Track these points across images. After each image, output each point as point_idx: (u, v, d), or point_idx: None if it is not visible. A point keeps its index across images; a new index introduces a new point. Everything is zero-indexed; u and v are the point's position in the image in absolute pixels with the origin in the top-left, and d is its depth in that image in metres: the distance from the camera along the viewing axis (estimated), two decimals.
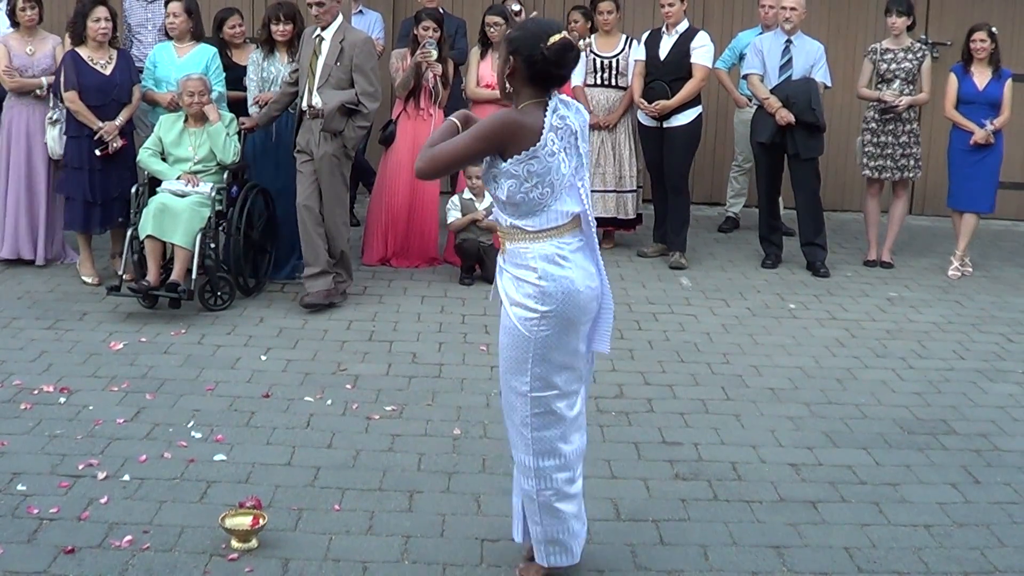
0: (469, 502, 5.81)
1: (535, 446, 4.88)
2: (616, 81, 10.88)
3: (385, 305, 9.20)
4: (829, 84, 10.72)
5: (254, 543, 5.26)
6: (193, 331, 8.37)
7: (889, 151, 10.77)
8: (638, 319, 8.99)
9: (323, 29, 8.95)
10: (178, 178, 8.97)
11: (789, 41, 10.64)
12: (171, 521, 5.49)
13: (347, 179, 9.26)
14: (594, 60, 10.85)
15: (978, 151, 10.50)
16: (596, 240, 4.91)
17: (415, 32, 10.13)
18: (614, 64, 10.85)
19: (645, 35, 10.83)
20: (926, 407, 7.40)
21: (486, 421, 6.81)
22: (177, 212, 8.67)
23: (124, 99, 9.43)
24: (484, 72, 10.56)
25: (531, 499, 4.95)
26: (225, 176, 9.16)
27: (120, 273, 8.91)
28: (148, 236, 8.62)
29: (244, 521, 5.31)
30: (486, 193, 9.70)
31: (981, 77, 10.52)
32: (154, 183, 9.11)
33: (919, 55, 10.74)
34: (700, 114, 10.74)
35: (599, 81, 10.87)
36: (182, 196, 8.83)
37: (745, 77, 11.08)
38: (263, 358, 7.87)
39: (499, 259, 4.96)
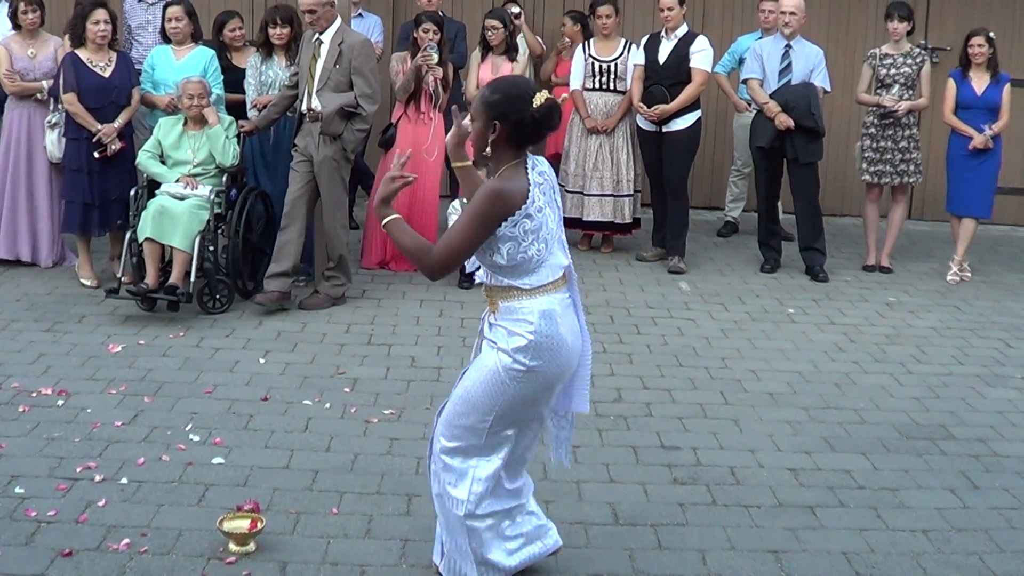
0: None
1: (477, 474, 4.85)
2: (614, 85, 10.88)
3: (384, 309, 9.20)
4: (828, 89, 10.72)
5: (252, 546, 5.26)
6: (192, 334, 8.36)
7: (888, 156, 10.77)
8: (637, 323, 8.99)
9: (321, 33, 8.95)
10: (177, 181, 8.96)
11: (789, 46, 10.64)
12: (169, 524, 5.49)
13: (346, 182, 9.26)
14: (593, 64, 10.86)
15: (977, 156, 10.50)
16: (578, 294, 4.92)
17: (415, 35, 10.12)
18: (613, 68, 10.85)
19: (644, 39, 10.83)
20: (925, 412, 7.39)
21: None
22: (176, 215, 8.67)
23: (123, 101, 9.42)
24: (484, 75, 10.57)
25: (460, 523, 4.88)
26: (224, 179, 9.17)
27: (119, 276, 8.92)
28: (147, 239, 8.62)
29: (242, 524, 5.31)
30: None
31: (979, 82, 10.53)
32: (153, 186, 9.10)
33: (918, 60, 10.74)
34: (699, 118, 10.74)
35: (598, 85, 10.87)
36: (181, 199, 8.83)
37: (744, 82, 11.08)
38: (262, 361, 7.87)
39: (487, 317, 4.91)
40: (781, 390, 7.70)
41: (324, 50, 8.95)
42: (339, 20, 9.04)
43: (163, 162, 9.11)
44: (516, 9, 11.54)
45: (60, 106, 9.39)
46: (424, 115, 10.23)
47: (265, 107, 9.41)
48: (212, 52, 9.74)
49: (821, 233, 10.77)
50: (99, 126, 9.21)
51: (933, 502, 6.06)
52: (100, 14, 9.25)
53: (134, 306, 8.71)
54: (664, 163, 10.74)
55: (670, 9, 10.52)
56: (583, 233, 11.28)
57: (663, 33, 10.68)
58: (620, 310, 9.26)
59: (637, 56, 10.75)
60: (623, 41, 11.01)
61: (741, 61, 11.50)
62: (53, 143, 9.49)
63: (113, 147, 9.26)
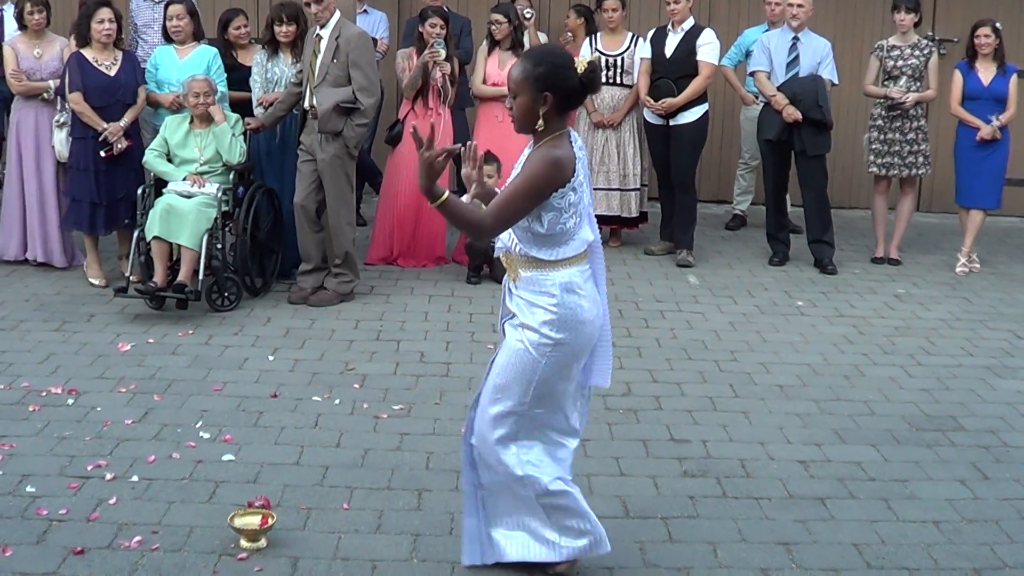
0: None
1: (521, 457, 4.87)
2: (621, 79, 10.87)
3: (392, 304, 9.20)
4: (836, 81, 10.70)
5: (263, 542, 5.26)
6: (200, 332, 8.37)
7: (897, 148, 10.75)
8: (646, 317, 8.99)
9: (321, 27, 8.96)
10: (184, 179, 8.97)
11: (796, 38, 10.63)
12: (180, 521, 5.49)
13: (351, 179, 9.25)
14: (599, 58, 10.84)
15: (985, 147, 10.49)
16: (603, 268, 4.96)
17: (420, 30, 10.12)
18: (619, 62, 10.84)
19: (651, 33, 10.83)
20: (935, 404, 7.39)
21: None
22: (183, 213, 8.68)
23: (129, 100, 9.44)
24: (491, 70, 10.55)
25: (532, 502, 4.92)
26: (231, 177, 9.17)
27: (127, 274, 8.94)
28: (155, 237, 8.63)
29: (253, 521, 5.31)
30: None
31: (986, 73, 10.51)
32: (160, 184, 9.11)
33: (926, 52, 10.72)
34: (706, 112, 10.74)
35: (604, 79, 10.82)
36: (188, 197, 8.84)
37: (752, 74, 11.07)
38: (271, 358, 7.88)
39: (508, 283, 4.94)
40: (791, 382, 7.69)
41: (323, 45, 8.95)
42: (338, 14, 9.02)
43: (170, 161, 9.12)
44: (529, 13, 11.53)
45: (67, 105, 9.40)
46: (432, 111, 10.22)
47: (271, 105, 9.42)
48: (215, 50, 9.74)
49: (829, 226, 10.76)
50: (105, 125, 9.21)
51: (943, 493, 6.05)
52: (104, 13, 9.26)
53: (143, 305, 8.72)
54: (671, 157, 10.73)
55: (676, 2, 10.51)
56: None
57: (669, 26, 10.67)
58: (629, 304, 9.25)
59: (644, 50, 10.75)
60: (630, 35, 11.00)
61: (748, 54, 11.50)
62: (61, 142, 9.50)
63: (119, 146, 9.26)
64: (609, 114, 10.87)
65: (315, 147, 8.99)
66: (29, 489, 5.76)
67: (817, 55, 10.58)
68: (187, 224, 8.65)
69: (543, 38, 11.66)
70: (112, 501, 5.66)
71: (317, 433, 6.61)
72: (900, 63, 10.68)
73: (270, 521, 5.31)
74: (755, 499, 5.92)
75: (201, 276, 8.71)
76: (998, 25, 10.52)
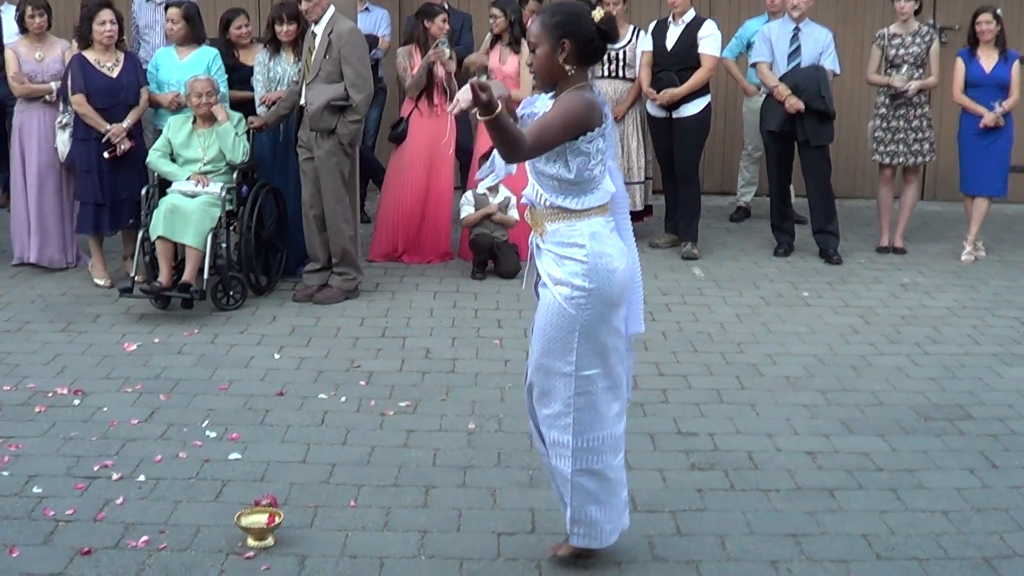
0: (485, 496, 5.79)
1: (576, 426, 4.86)
2: (623, 72, 10.86)
3: (397, 301, 9.20)
4: (838, 71, 10.69)
5: (270, 541, 5.25)
6: (206, 331, 8.37)
7: (902, 136, 10.74)
8: (651, 310, 8.97)
9: (315, 24, 8.95)
10: (188, 179, 8.97)
11: (797, 28, 10.62)
12: (187, 520, 5.49)
13: (346, 176, 9.19)
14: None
15: (988, 135, 10.47)
16: (628, 219, 4.98)
17: (425, 25, 10.09)
18: (621, 55, 10.82)
19: (652, 25, 10.81)
20: (942, 392, 7.37)
21: (501, 415, 6.80)
22: (188, 213, 8.67)
23: (131, 101, 9.43)
24: (492, 64, 10.53)
25: (565, 479, 4.93)
26: (235, 176, 9.16)
27: (132, 275, 8.93)
28: (159, 237, 8.63)
29: (260, 519, 5.30)
30: (499, 187, 9.68)
31: (988, 60, 10.49)
32: (164, 184, 9.10)
33: (927, 39, 10.71)
34: (709, 104, 10.73)
35: (606, 73, 10.83)
36: (192, 196, 8.84)
37: (753, 65, 11.06)
38: (276, 356, 7.87)
39: (534, 241, 4.93)
40: (797, 374, 7.68)
41: (317, 42, 8.94)
42: (332, 9, 8.99)
43: (173, 161, 9.11)
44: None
45: (70, 107, 9.40)
46: (437, 108, 10.21)
47: (274, 103, 9.41)
48: (215, 51, 9.75)
49: (834, 215, 10.75)
50: (108, 126, 9.21)
51: (952, 482, 6.04)
52: (106, 14, 9.26)
53: (148, 305, 8.72)
54: (675, 149, 10.72)
55: None
56: None
57: (670, 19, 10.66)
58: None
59: (645, 43, 10.73)
60: (631, 28, 10.98)
61: (749, 45, 11.47)
62: (64, 144, 9.49)
63: (122, 147, 9.26)
64: (612, 107, 10.84)
65: (311, 145, 8.98)
66: (36, 490, 5.76)
67: (819, 45, 10.56)
68: (191, 224, 8.65)
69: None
70: (119, 501, 5.65)
71: (323, 431, 6.61)
72: (902, 51, 10.67)
73: (277, 519, 5.30)
74: (763, 491, 5.90)
75: (206, 275, 8.70)
76: (999, 11, 10.50)
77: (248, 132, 9.25)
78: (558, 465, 4.95)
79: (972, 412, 7.03)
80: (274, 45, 9.62)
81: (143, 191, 9.14)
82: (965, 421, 6.89)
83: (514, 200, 9.82)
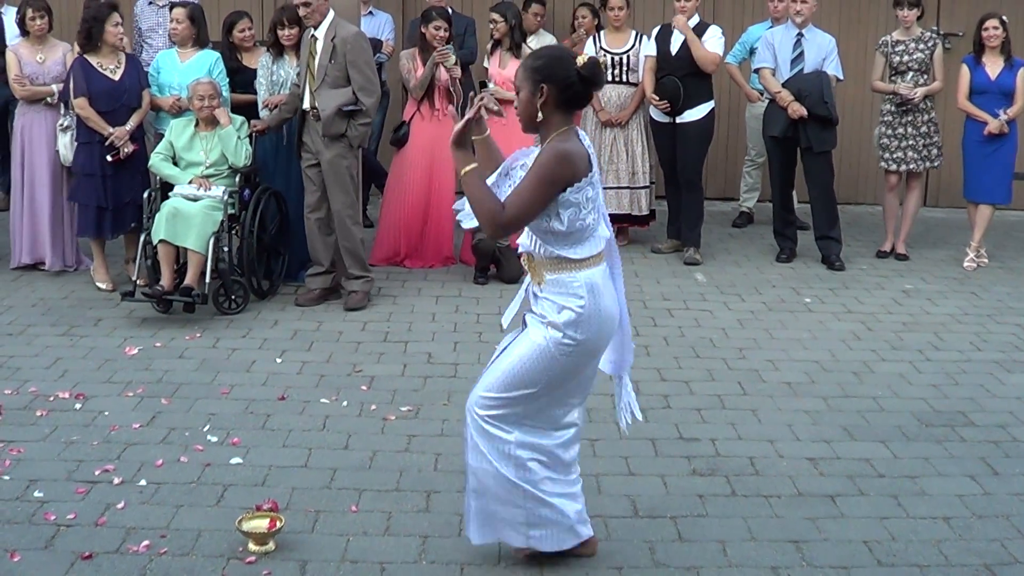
0: None
1: (516, 438, 4.92)
2: (627, 77, 10.86)
3: (399, 306, 9.20)
4: (841, 77, 10.69)
5: (271, 546, 5.25)
6: (208, 335, 8.37)
7: (911, 142, 10.74)
8: (653, 315, 8.98)
9: (315, 28, 8.94)
10: (190, 182, 8.97)
11: (800, 34, 10.61)
12: (188, 525, 5.49)
13: (355, 178, 9.21)
14: (604, 56, 10.83)
15: (992, 142, 10.47)
16: (619, 263, 4.99)
17: (423, 31, 10.10)
18: (624, 60, 10.83)
19: (656, 30, 10.81)
20: (943, 399, 7.37)
21: None
22: (190, 216, 8.67)
23: (134, 104, 9.44)
24: (492, 70, 10.54)
25: (513, 486, 4.95)
26: (237, 179, 9.16)
27: (134, 278, 8.93)
28: (161, 241, 8.63)
29: (261, 524, 5.30)
30: None
31: (993, 67, 10.49)
32: (166, 188, 9.11)
33: (930, 45, 10.71)
34: (712, 109, 10.72)
35: (610, 78, 10.83)
36: (194, 200, 8.83)
37: (756, 71, 11.06)
38: (278, 360, 7.87)
39: (532, 288, 4.96)
40: (799, 380, 7.68)
41: (319, 46, 8.93)
42: (332, 14, 8.97)
43: (175, 164, 9.11)
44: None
45: (71, 110, 9.40)
46: (439, 112, 10.22)
47: (277, 107, 9.41)
48: (217, 54, 9.75)
49: (836, 221, 10.75)
50: (111, 129, 9.21)
51: (953, 489, 6.03)
52: (117, 16, 9.28)
53: (150, 308, 8.72)
54: (678, 154, 10.72)
55: (687, 0, 10.48)
56: None
57: (674, 24, 10.64)
58: (636, 302, 9.23)
59: (649, 48, 10.73)
60: (633, 33, 10.99)
61: (752, 51, 11.48)
62: (66, 146, 9.49)
63: (126, 150, 9.27)
64: (616, 112, 10.85)
65: (319, 148, 8.98)
66: (37, 494, 5.76)
67: (822, 51, 10.56)
68: (193, 227, 8.65)
69: (549, 38, 11.59)
70: (120, 505, 5.65)
71: (325, 435, 6.61)
72: (906, 58, 10.67)
73: (278, 524, 5.30)
74: (764, 497, 5.90)
75: (208, 279, 8.71)
76: (1005, 18, 10.50)
77: (250, 135, 9.25)
78: (504, 472, 4.96)
79: (974, 419, 7.03)
80: (277, 49, 9.62)
81: (145, 195, 9.14)
82: (966, 428, 6.89)
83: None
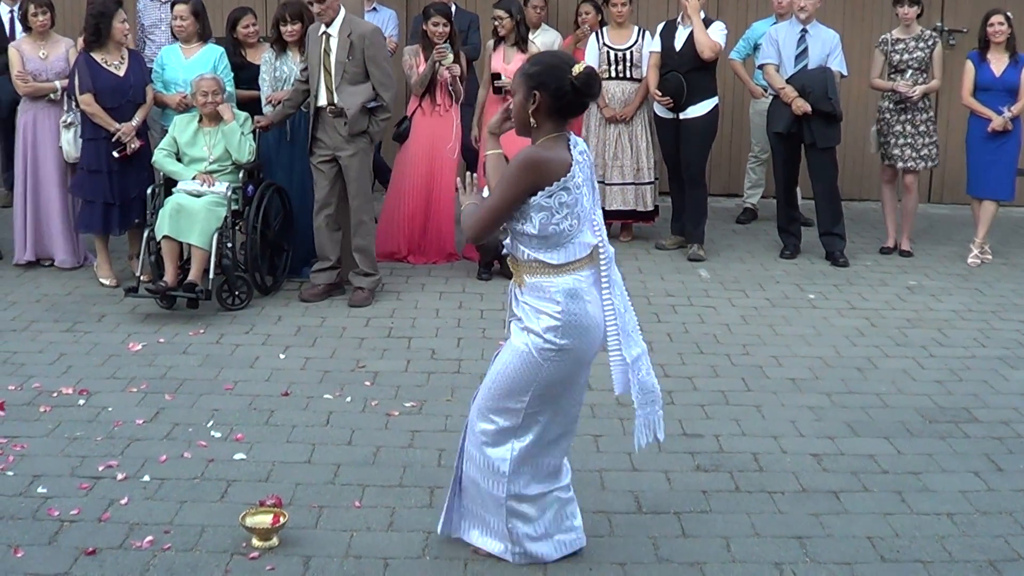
0: None
1: (512, 456, 4.94)
2: (630, 73, 10.85)
3: (403, 302, 9.20)
4: (845, 73, 10.68)
5: (275, 541, 5.26)
6: (211, 331, 8.37)
7: (909, 140, 10.73)
8: (657, 311, 8.97)
9: (328, 25, 8.93)
10: (194, 178, 8.96)
11: (804, 30, 10.61)
12: (192, 521, 5.49)
13: (371, 174, 9.25)
14: (607, 52, 10.83)
15: (996, 138, 10.46)
16: (616, 272, 4.95)
17: (424, 27, 10.10)
18: (628, 56, 10.82)
19: (660, 26, 10.79)
20: (947, 395, 7.36)
21: None
22: (193, 212, 8.67)
23: (139, 100, 9.43)
24: (497, 65, 10.51)
25: (499, 504, 5.01)
26: (241, 175, 9.16)
27: (137, 274, 8.93)
28: (165, 237, 8.63)
29: (265, 519, 5.30)
30: None
31: (998, 63, 10.48)
32: (170, 183, 9.10)
33: (930, 43, 10.70)
34: (716, 105, 10.71)
35: (613, 74, 10.83)
36: (198, 196, 8.83)
37: (760, 67, 11.05)
38: (282, 356, 7.87)
39: (513, 289, 4.96)
40: (803, 376, 7.67)
41: (334, 43, 8.91)
42: (343, 11, 8.99)
43: (179, 160, 9.11)
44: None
45: (74, 106, 9.40)
46: (440, 107, 10.22)
47: (279, 103, 9.40)
48: (221, 50, 9.74)
49: (840, 218, 10.74)
50: (117, 125, 9.21)
51: (957, 485, 6.03)
52: (123, 12, 9.29)
53: (153, 304, 8.73)
54: (682, 151, 10.71)
55: None
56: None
57: (679, 20, 10.63)
58: (640, 299, 9.22)
59: (653, 44, 10.71)
60: (636, 29, 10.98)
61: (756, 47, 11.46)
62: (69, 143, 9.50)
63: (132, 146, 9.26)
64: (620, 109, 10.84)
65: (338, 145, 8.97)
66: (40, 490, 5.76)
67: (826, 47, 10.55)
68: (197, 223, 8.65)
69: (552, 34, 11.59)
70: (124, 501, 5.66)
71: (329, 431, 6.61)
72: (905, 56, 10.66)
73: (282, 520, 5.30)
74: (768, 493, 5.90)
75: (211, 275, 8.71)
76: (1010, 14, 10.48)
77: (254, 131, 9.24)
78: (494, 492, 5.00)
79: (977, 415, 7.02)
80: (280, 44, 9.61)
81: (149, 191, 9.13)
82: (970, 424, 6.88)
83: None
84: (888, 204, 11.08)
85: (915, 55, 10.64)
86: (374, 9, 11.75)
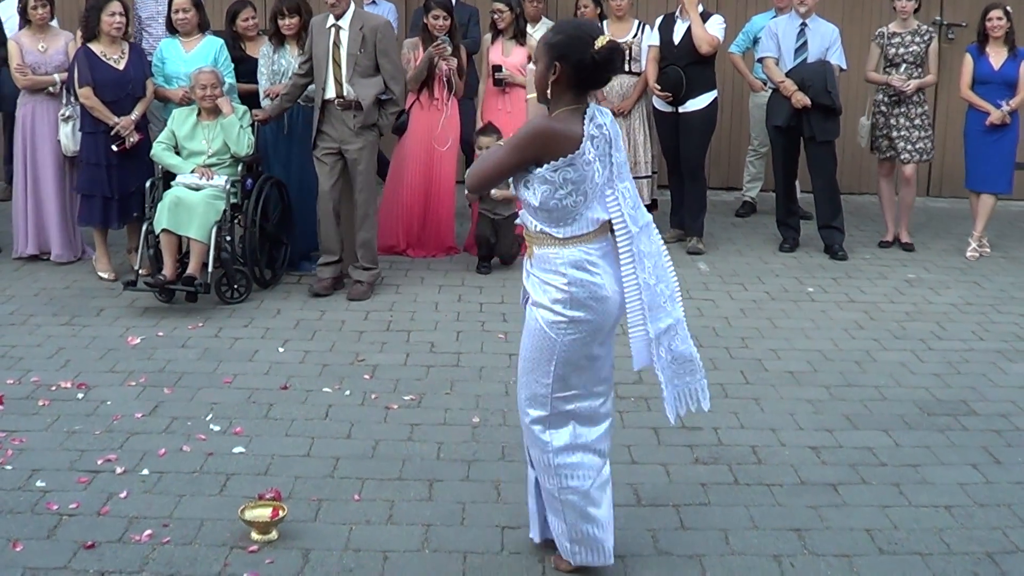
0: (489, 490, 5.80)
1: (554, 444, 4.86)
2: (629, 67, 10.84)
3: (402, 295, 9.20)
4: (844, 67, 10.69)
5: (274, 535, 5.26)
6: (210, 324, 8.37)
7: (903, 133, 10.73)
8: None
9: (338, 18, 8.91)
10: (192, 171, 8.96)
11: (804, 24, 10.61)
12: (191, 514, 5.49)
13: (375, 166, 9.26)
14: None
15: (994, 132, 10.46)
16: (651, 243, 4.88)
17: (425, 21, 10.10)
18: (627, 50, 10.80)
19: (659, 20, 10.79)
20: (946, 388, 7.37)
21: (505, 409, 6.80)
22: (192, 205, 8.67)
23: (138, 93, 9.43)
24: (495, 58, 10.51)
25: (553, 497, 4.92)
26: (240, 169, 9.15)
27: (136, 268, 8.94)
28: (163, 230, 8.63)
29: (264, 513, 5.31)
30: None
31: (997, 57, 10.48)
32: (169, 177, 9.10)
33: (926, 38, 10.70)
34: (715, 99, 10.70)
35: None
36: (197, 189, 8.83)
37: (760, 61, 11.06)
38: (281, 350, 7.88)
39: (525, 263, 4.92)
40: (802, 369, 7.68)
41: (345, 36, 8.91)
42: (352, 4, 9.01)
43: (178, 153, 9.11)
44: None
45: (73, 99, 9.40)
46: (438, 101, 10.22)
47: (278, 96, 9.38)
48: (221, 42, 9.73)
49: (839, 211, 10.74)
50: (116, 119, 9.20)
51: (955, 478, 6.04)
52: (115, 6, 9.26)
53: (152, 298, 8.73)
54: (681, 144, 10.70)
55: None
56: None
57: (678, 13, 10.62)
58: None
59: (652, 37, 10.71)
60: (636, 22, 10.97)
61: (755, 41, 11.47)
62: (67, 136, 9.50)
63: (131, 139, 9.26)
64: (619, 102, 10.84)
65: (345, 138, 8.98)
66: (39, 484, 5.77)
67: (825, 41, 10.56)
68: (196, 217, 8.65)
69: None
70: (122, 495, 5.66)
71: (328, 424, 6.61)
72: (901, 50, 10.67)
73: (281, 513, 5.30)
74: (767, 486, 5.91)
75: (210, 268, 8.71)
76: (1009, 8, 10.48)
77: (253, 125, 9.24)
78: (547, 484, 4.93)
79: (975, 408, 7.03)
80: (278, 38, 9.60)
81: (147, 184, 9.12)
82: (968, 417, 6.89)
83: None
84: (886, 198, 11.08)
85: (911, 49, 10.64)
86: (373, 2, 11.73)
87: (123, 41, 9.42)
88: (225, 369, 7.49)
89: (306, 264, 9.74)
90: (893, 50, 10.69)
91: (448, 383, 7.29)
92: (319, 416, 6.73)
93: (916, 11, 10.83)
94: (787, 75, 10.49)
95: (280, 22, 9.49)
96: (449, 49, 9.95)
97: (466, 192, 4.89)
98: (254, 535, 5.24)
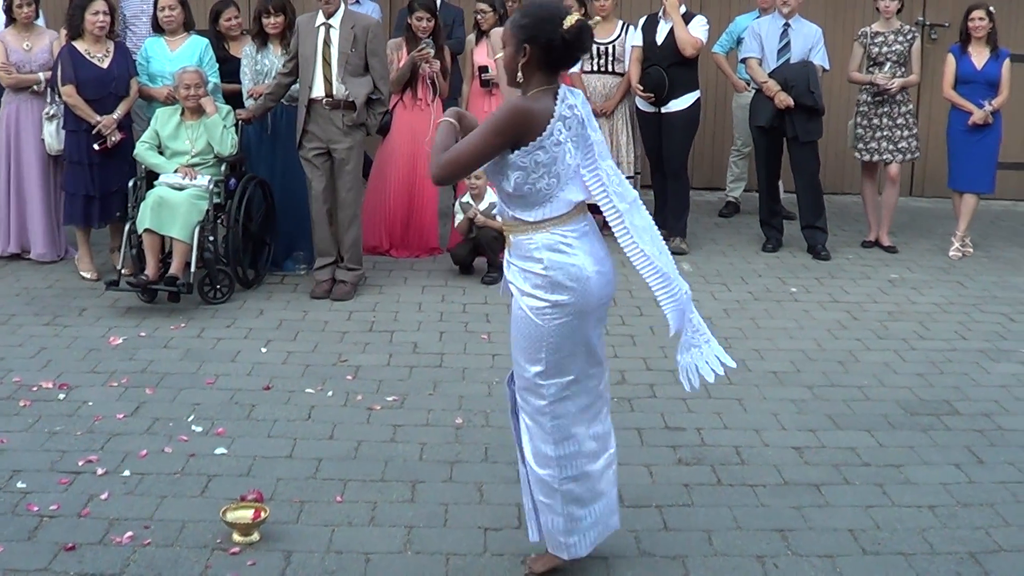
0: (472, 491, 5.79)
1: (554, 434, 4.82)
2: (612, 67, 10.85)
3: (385, 295, 9.18)
4: (827, 67, 10.70)
5: (256, 536, 5.24)
6: (193, 325, 8.35)
7: (886, 133, 10.74)
8: (639, 304, 8.96)
9: (329, 17, 8.90)
10: (175, 171, 8.93)
11: (787, 24, 10.62)
12: (172, 516, 5.47)
13: (360, 166, 9.27)
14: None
15: (977, 131, 10.48)
16: (641, 218, 4.83)
17: (408, 21, 10.08)
18: (610, 50, 10.81)
19: (642, 20, 10.79)
20: (929, 388, 7.38)
21: (488, 410, 6.79)
22: (175, 205, 8.64)
23: (122, 92, 9.40)
24: (479, 59, 10.50)
25: (552, 489, 4.88)
26: (223, 168, 9.13)
27: (119, 268, 8.89)
28: (146, 230, 8.60)
29: (246, 514, 5.29)
30: (486, 194, 9.57)
31: (979, 57, 10.50)
32: (152, 176, 9.07)
33: (909, 37, 10.72)
34: (698, 99, 10.71)
35: (595, 67, 10.83)
36: (180, 189, 8.80)
37: (743, 61, 11.07)
38: (263, 350, 7.86)
39: (506, 254, 4.89)
40: (785, 369, 7.68)
41: (335, 35, 8.90)
42: (343, 4, 9.00)
43: (161, 153, 9.08)
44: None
45: (57, 98, 9.37)
46: (421, 102, 10.20)
47: (261, 96, 9.36)
48: (206, 41, 9.70)
49: (822, 211, 10.76)
50: (98, 118, 9.18)
51: (938, 477, 6.04)
52: (99, 4, 9.23)
53: (135, 298, 8.69)
54: (664, 144, 10.71)
55: None
56: None
57: (661, 14, 10.63)
58: (622, 292, 9.20)
59: (635, 38, 10.72)
60: (620, 23, 10.98)
61: (739, 41, 11.48)
62: (51, 135, 9.46)
63: (113, 139, 9.23)
64: (601, 103, 10.83)
65: (333, 137, 8.97)
66: (20, 485, 5.74)
67: (808, 41, 10.57)
68: (178, 216, 8.62)
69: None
70: (104, 496, 5.63)
71: (310, 425, 6.59)
72: (884, 49, 10.68)
73: (263, 515, 5.29)
74: (750, 486, 5.90)
75: (193, 269, 8.68)
76: (992, 9, 10.50)
77: (236, 124, 9.22)
78: (543, 475, 4.88)
79: (958, 407, 7.04)
80: (261, 38, 9.58)
81: (130, 183, 9.10)
82: (951, 416, 6.90)
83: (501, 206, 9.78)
84: (868, 199, 11.09)
85: (894, 48, 10.65)
86: (357, 2, 11.70)
87: (108, 40, 9.39)
88: (207, 370, 7.46)
89: (289, 264, 9.72)
90: (876, 49, 10.70)
91: (431, 384, 7.27)
92: (302, 417, 6.71)
93: (899, 11, 10.85)
94: (770, 75, 10.51)
95: (265, 20, 9.47)
96: (432, 53, 9.93)
97: (434, 180, 4.79)
98: (236, 537, 5.22)
